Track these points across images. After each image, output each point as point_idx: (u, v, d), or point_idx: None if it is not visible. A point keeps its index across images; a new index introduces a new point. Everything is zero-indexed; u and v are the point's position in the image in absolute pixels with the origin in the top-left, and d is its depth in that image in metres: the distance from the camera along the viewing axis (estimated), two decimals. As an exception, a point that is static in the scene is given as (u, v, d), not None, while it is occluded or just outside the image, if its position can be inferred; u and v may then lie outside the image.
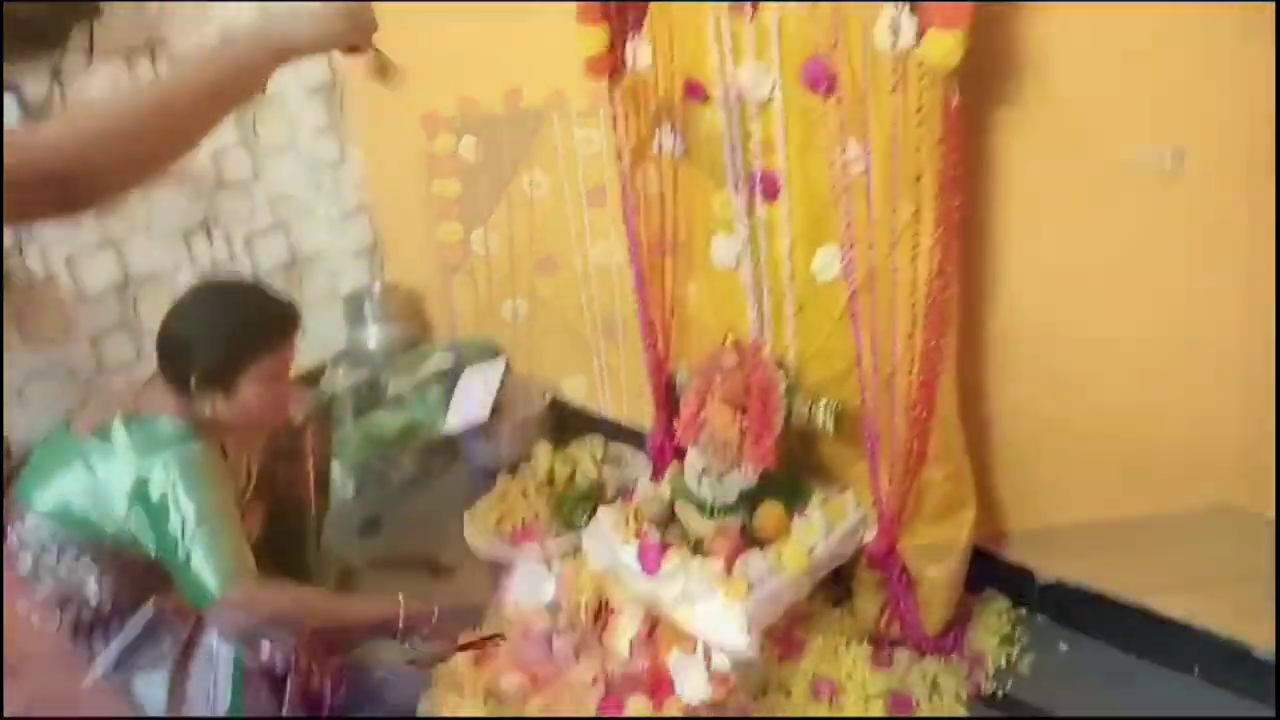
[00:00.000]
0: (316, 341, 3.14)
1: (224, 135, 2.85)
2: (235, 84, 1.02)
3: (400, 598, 1.54)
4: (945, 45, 1.38)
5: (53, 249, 2.57)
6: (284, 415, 1.72)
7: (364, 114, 3.00)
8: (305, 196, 3.08)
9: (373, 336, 2.96)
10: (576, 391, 2.52)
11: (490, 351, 2.80)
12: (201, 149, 2.79)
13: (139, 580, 1.55)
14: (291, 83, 2.91)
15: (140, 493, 1.48)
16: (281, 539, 1.82)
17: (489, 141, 2.46)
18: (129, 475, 1.49)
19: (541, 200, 2.40)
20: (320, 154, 3.01)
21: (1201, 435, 1.52)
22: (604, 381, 2.33)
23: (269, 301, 1.64)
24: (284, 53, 1.06)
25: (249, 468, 1.73)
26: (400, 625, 1.51)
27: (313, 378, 2.84)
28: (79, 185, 0.88)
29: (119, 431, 1.53)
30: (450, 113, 2.48)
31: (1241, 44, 1.28)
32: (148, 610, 1.54)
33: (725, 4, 1.66)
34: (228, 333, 1.56)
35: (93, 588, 1.52)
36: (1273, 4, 1.20)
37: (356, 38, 1.18)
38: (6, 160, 0.83)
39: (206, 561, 1.45)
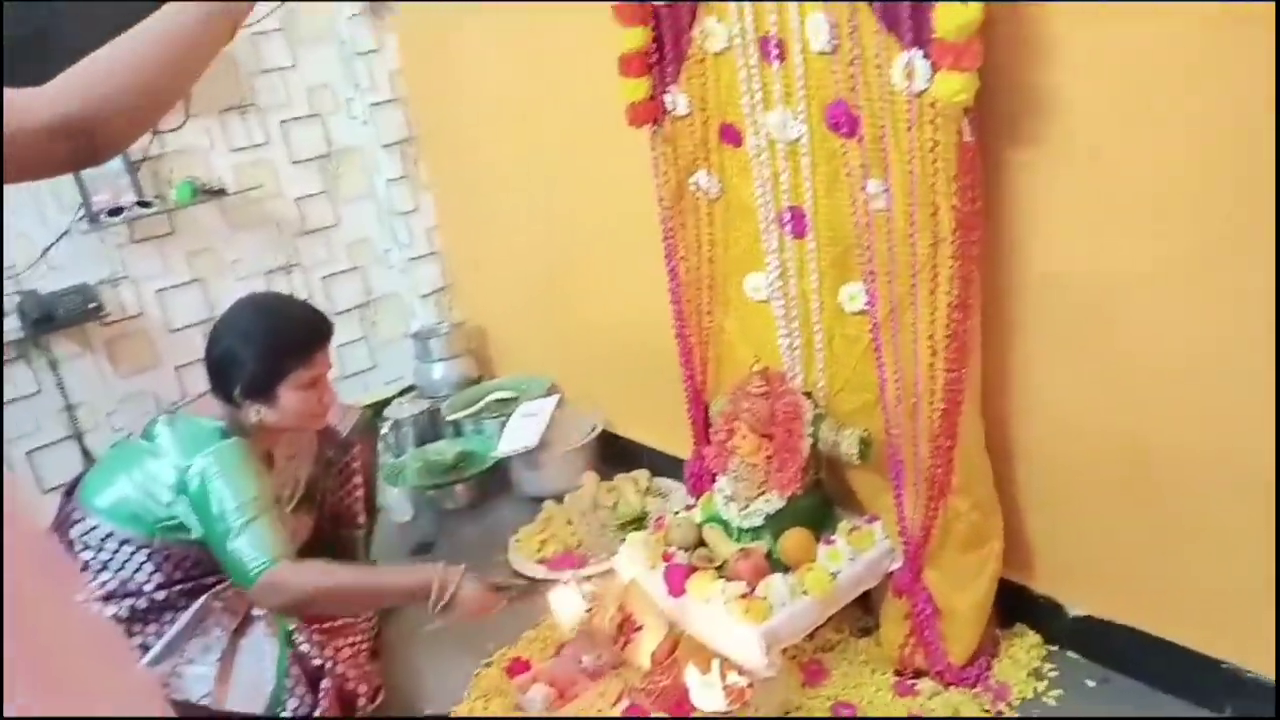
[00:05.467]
0: (388, 376, 3.33)
1: (309, 184, 3.08)
2: (229, 14, 1.04)
3: (436, 566, 1.68)
4: (956, 85, 1.44)
5: (145, 285, 2.81)
6: (323, 420, 1.85)
7: (437, 166, 3.20)
8: (381, 241, 3.28)
9: (438, 371, 3.11)
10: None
11: (545, 387, 2.92)
12: (289, 197, 3.03)
13: (190, 571, 1.69)
14: (370, 138, 3.13)
15: (184, 482, 1.63)
16: (330, 550, 1.94)
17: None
18: (173, 468, 1.65)
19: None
20: (396, 203, 3.20)
21: (1238, 469, 1.52)
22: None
23: (301, 314, 1.80)
24: None
25: (296, 477, 1.86)
26: (434, 594, 1.65)
27: (380, 408, 3.00)
28: (97, 136, 0.92)
29: (163, 431, 1.69)
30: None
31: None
32: (200, 602, 1.67)
33: (754, 54, 1.76)
34: (264, 345, 1.71)
35: (147, 577, 1.67)
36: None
37: None
38: (21, 118, 0.87)
39: (247, 543, 1.59)
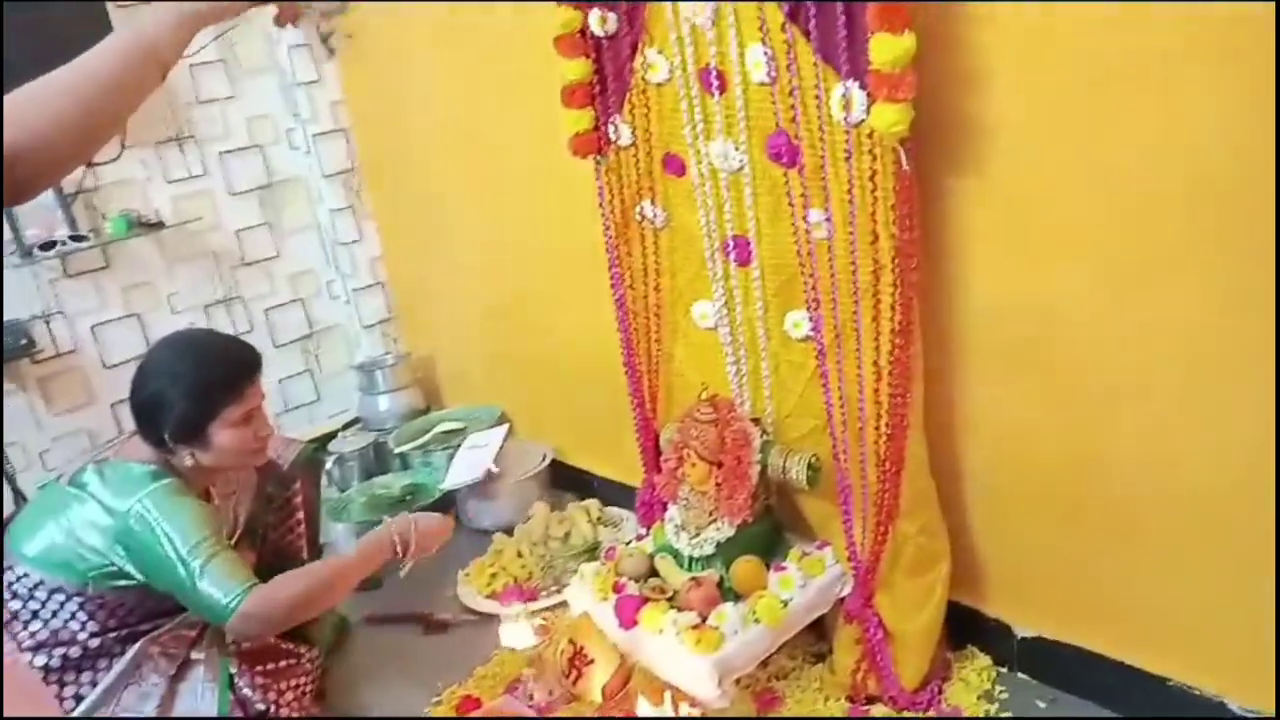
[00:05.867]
0: (332, 409, 3.28)
1: (249, 216, 3.04)
2: (157, 57, 1.05)
3: (387, 526, 1.82)
4: (892, 116, 1.46)
5: (79, 320, 2.74)
6: (262, 456, 1.81)
7: (382, 196, 3.17)
8: (324, 273, 3.23)
9: (384, 403, 3.07)
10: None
11: (494, 417, 2.89)
12: (229, 229, 2.98)
13: (125, 618, 1.63)
14: (312, 168, 3.10)
15: (123, 531, 1.58)
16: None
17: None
18: (107, 516, 1.60)
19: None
20: (339, 233, 3.17)
21: (1180, 489, 1.55)
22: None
23: (226, 348, 1.76)
24: (197, 19, 1.09)
25: (236, 513, 1.82)
26: (398, 544, 1.78)
27: (325, 442, 2.95)
28: (15, 174, 0.90)
29: (92, 478, 1.64)
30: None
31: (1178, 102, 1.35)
32: (136, 648, 1.62)
33: (695, 85, 1.78)
34: (191, 386, 1.67)
35: (80, 626, 1.61)
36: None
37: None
38: None
39: (213, 584, 1.55)
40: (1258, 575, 1.48)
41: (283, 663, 1.89)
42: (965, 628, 1.88)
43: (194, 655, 1.69)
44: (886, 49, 1.41)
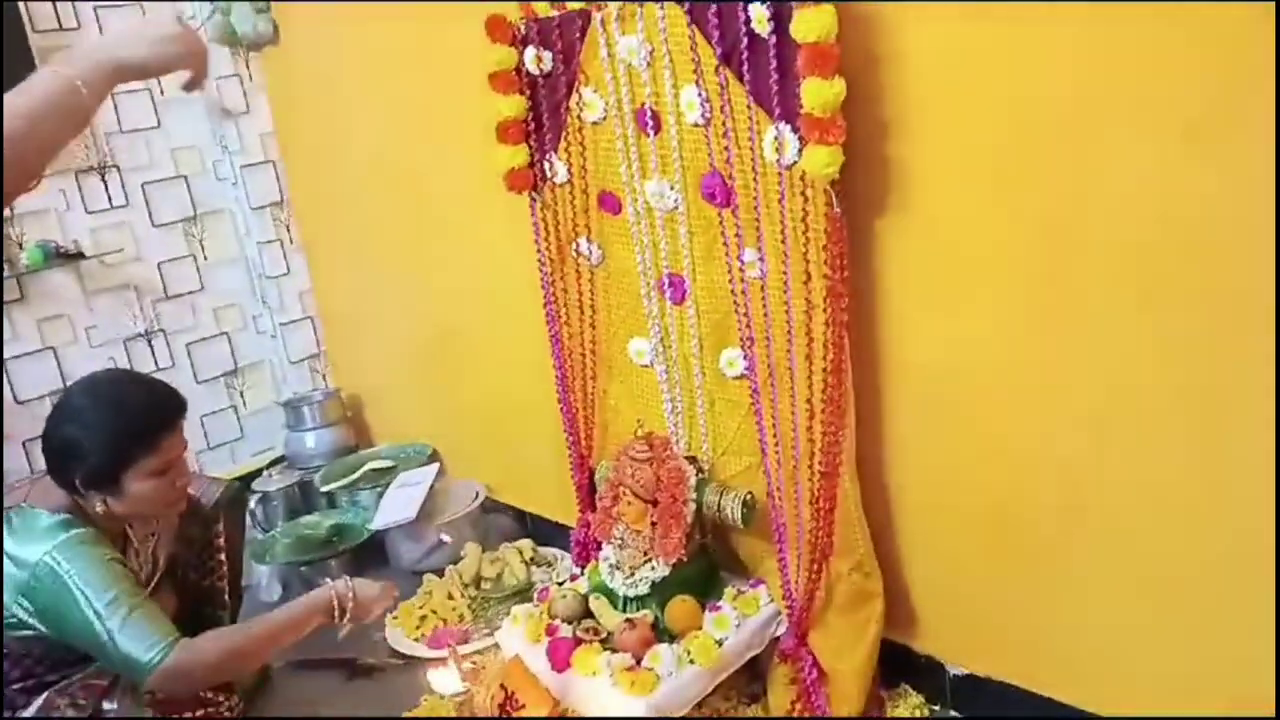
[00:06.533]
0: (257, 446, 3.20)
1: (173, 248, 2.97)
2: (82, 105, 1.06)
3: (327, 588, 1.74)
4: (823, 158, 1.48)
5: (-10, 354, 2.63)
6: (178, 506, 1.74)
7: (311, 229, 3.12)
8: (250, 306, 3.16)
9: (311, 440, 3.00)
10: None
11: (425, 455, 2.84)
12: (151, 261, 2.90)
13: (32, 668, 1.55)
14: (239, 200, 3.04)
15: (29, 584, 1.51)
16: (194, 633, 1.82)
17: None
18: (14, 567, 1.52)
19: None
20: (267, 266, 3.11)
21: (1099, 526, 1.58)
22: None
23: (148, 394, 1.68)
24: (120, 72, 1.11)
25: (155, 555, 1.75)
26: (336, 607, 1.71)
27: (249, 481, 2.86)
28: None
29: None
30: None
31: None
32: (42, 699, 1.55)
33: (631, 125, 1.79)
34: (108, 434, 1.60)
35: None
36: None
37: (187, 66, 1.18)
38: None
39: (132, 640, 1.48)
40: (1179, 612, 1.51)
41: (200, 712, 1.81)
42: (898, 665, 1.88)
43: (106, 706, 1.60)
44: (817, 93, 1.44)
